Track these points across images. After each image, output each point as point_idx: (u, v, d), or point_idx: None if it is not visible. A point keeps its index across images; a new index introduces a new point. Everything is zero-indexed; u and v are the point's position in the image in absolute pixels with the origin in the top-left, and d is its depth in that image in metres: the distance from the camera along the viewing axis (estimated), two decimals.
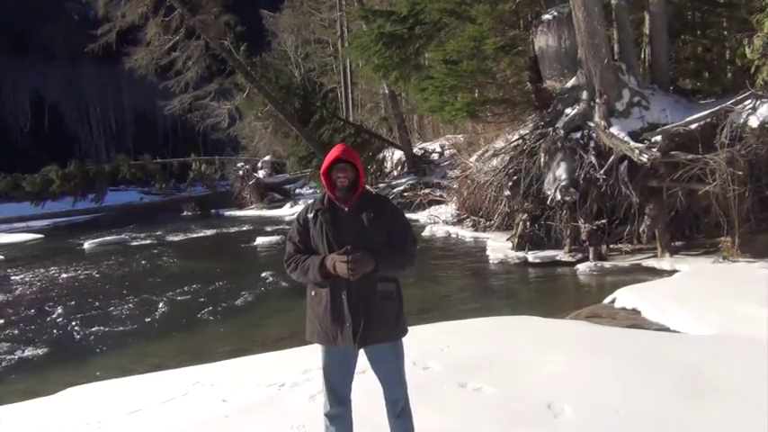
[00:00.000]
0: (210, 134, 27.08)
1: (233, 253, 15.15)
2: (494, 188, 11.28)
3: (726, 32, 11.64)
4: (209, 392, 4.72)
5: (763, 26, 8.33)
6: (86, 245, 17.26)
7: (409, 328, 3.02)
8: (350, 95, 31.06)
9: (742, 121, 8.19)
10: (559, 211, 9.69)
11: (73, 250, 16.85)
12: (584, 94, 9.96)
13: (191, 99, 23.39)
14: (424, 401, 3.53)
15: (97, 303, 9.58)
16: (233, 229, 19.63)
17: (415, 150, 22.62)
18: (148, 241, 17.75)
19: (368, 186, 2.93)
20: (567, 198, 9.28)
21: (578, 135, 9.74)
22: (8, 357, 7.10)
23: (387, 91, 22.94)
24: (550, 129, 10.02)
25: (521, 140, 10.87)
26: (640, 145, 8.79)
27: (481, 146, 14.26)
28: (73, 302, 9.75)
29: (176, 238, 18.15)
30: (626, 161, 8.96)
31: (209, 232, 19.27)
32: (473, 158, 13.33)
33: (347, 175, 2.86)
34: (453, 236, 13.41)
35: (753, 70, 8.58)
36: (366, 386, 3.23)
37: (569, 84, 10.30)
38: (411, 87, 15.22)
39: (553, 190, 9.44)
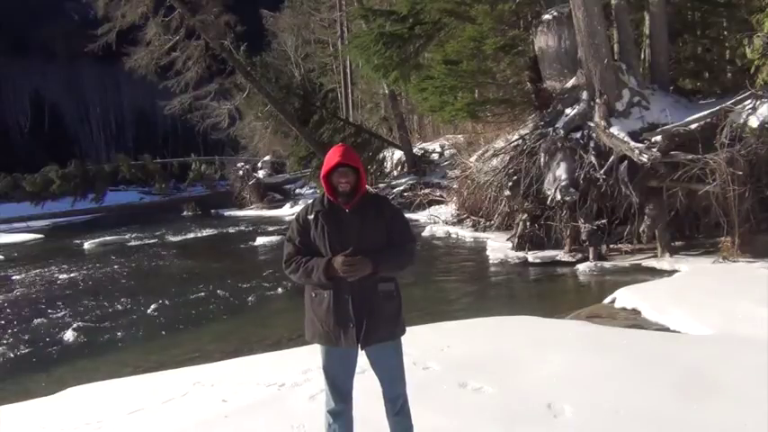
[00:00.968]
0: (210, 134, 27.04)
1: (233, 253, 15.13)
2: (494, 188, 11.29)
3: (726, 32, 11.65)
4: (209, 392, 4.72)
5: (763, 26, 8.34)
6: (86, 245, 17.25)
7: (409, 329, 3.05)
8: (350, 95, 31.08)
9: (742, 121, 8.19)
10: (559, 211, 9.69)
11: (73, 250, 16.83)
12: (584, 95, 9.97)
13: (191, 99, 23.32)
14: (423, 401, 3.53)
15: (97, 303, 9.57)
16: (233, 230, 19.62)
17: (415, 150, 22.62)
18: (148, 241, 17.72)
19: (367, 186, 2.92)
20: (567, 198, 9.28)
21: (578, 135, 9.75)
22: (8, 357, 7.10)
23: (387, 91, 22.95)
24: (550, 129, 10.02)
25: (521, 140, 10.87)
26: (640, 145, 8.79)
27: (481, 146, 14.24)
28: (73, 302, 9.73)
29: (176, 238, 18.13)
30: (626, 161, 8.97)
31: (209, 232, 19.26)
32: (473, 158, 13.31)
33: (349, 179, 2.84)
34: (453, 236, 13.41)
35: (753, 70, 8.58)
36: (366, 386, 3.23)
37: (569, 84, 10.30)
38: (411, 87, 15.24)
39: (553, 190, 9.44)
